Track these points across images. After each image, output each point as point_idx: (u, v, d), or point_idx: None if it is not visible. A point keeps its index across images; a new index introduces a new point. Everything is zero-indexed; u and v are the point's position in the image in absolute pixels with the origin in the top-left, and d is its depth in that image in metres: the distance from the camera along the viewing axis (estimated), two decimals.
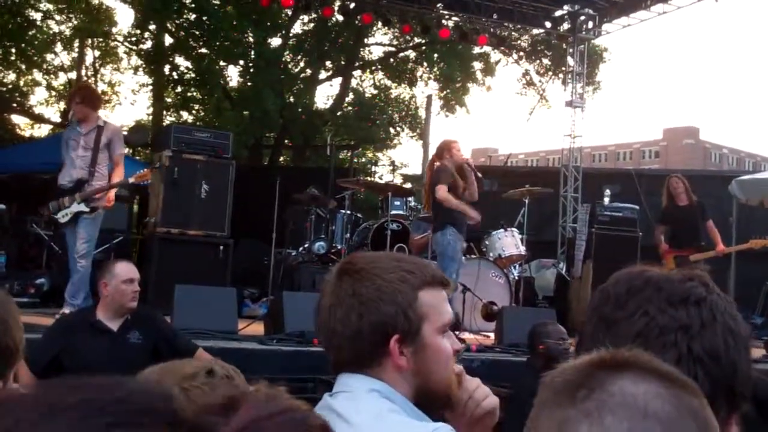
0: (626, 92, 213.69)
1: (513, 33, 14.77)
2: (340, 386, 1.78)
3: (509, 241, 10.08)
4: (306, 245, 10.71)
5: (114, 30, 23.80)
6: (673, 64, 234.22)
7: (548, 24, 14.91)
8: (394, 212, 10.31)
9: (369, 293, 1.74)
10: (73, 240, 7.64)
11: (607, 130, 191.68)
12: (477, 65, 23.34)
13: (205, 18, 18.83)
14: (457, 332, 8.67)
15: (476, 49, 21.31)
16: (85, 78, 24.23)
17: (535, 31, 16.04)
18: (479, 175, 8.82)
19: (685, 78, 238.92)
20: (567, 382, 0.88)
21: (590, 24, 14.61)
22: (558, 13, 14.73)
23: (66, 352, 4.84)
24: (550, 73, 22.04)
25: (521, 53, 22.37)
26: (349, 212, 10.74)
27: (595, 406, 0.84)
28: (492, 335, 8.44)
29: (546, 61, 22.32)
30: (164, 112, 22.80)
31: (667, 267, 10.20)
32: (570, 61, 15.05)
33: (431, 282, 1.80)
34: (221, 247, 9.62)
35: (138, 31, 22.62)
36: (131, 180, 8.08)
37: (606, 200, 11.32)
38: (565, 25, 14.85)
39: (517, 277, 10.31)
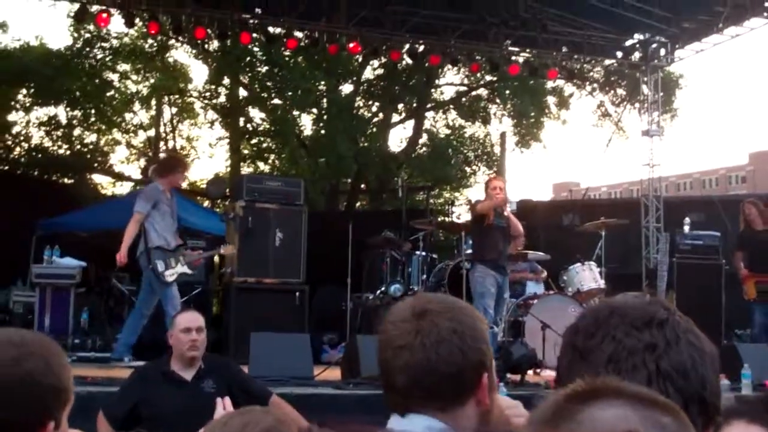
0: (708, 118, 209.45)
1: (585, 65, 14.58)
2: (414, 426, 1.73)
3: (587, 275, 9.87)
4: (383, 288, 10.66)
5: (190, 86, 24.38)
6: (753, 86, 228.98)
7: (619, 54, 14.70)
8: (469, 251, 10.21)
9: (467, 331, 1.76)
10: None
11: (691, 158, 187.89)
12: (551, 99, 23.17)
13: (276, 69, 19.16)
14: (538, 370, 8.52)
15: (549, 83, 21.16)
16: (163, 134, 24.87)
17: (608, 61, 15.83)
18: (510, 215, 9.01)
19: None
20: (540, 419, 0.88)
21: (662, 51, 14.34)
22: (629, 42, 14.51)
23: (143, 403, 4.89)
24: (626, 102, 21.72)
25: (595, 84, 22.13)
26: (424, 253, 10.67)
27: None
28: None
29: (621, 90, 22.00)
30: (241, 164, 23.18)
31: (749, 292, 9.91)
32: (645, 89, 14.79)
33: None
34: (297, 294, 9.66)
35: (212, 86, 23.18)
36: (222, 252, 9.55)
37: (686, 228, 11.01)
38: (637, 54, 14.62)
39: None
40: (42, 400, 1.59)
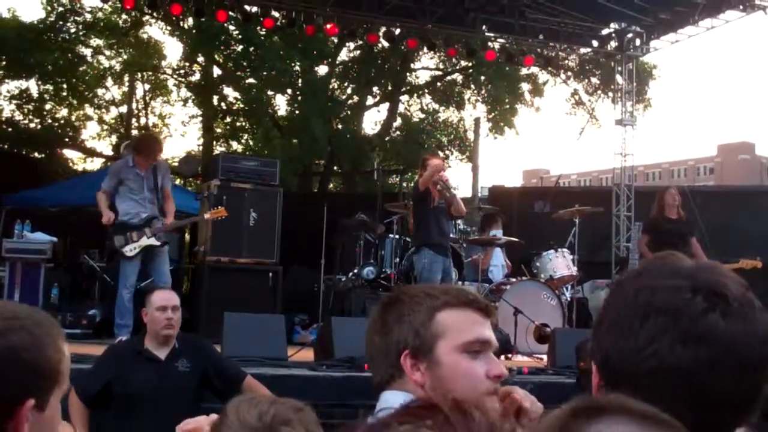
0: (679, 109, 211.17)
1: (560, 53, 14.62)
2: (381, 403, 1.88)
3: (560, 262, 9.94)
4: (355, 271, 10.67)
5: (163, 63, 24.17)
6: (725, 79, 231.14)
7: (595, 43, 14.77)
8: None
9: (391, 317, 1.90)
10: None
11: (660, 148, 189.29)
12: (525, 86, 23.21)
13: (251, 48, 19.03)
14: (509, 355, 8.58)
15: (524, 70, 21.19)
16: (136, 111, 24.65)
17: (583, 50, 15.89)
18: (454, 193, 9.02)
19: (738, 93, 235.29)
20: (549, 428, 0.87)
21: (638, 41, 14.42)
22: (605, 31, 14.58)
23: (116, 381, 4.87)
24: (599, 91, 21.83)
25: (569, 73, 22.18)
26: (398, 237, 10.69)
27: None
28: (545, 357, 8.31)
29: (595, 80, 22.11)
30: (214, 143, 23.04)
31: None
32: (619, 79, 14.88)
33: (454, 303, 1.88)
34: (271, 274, 9.66)
35: (186, 64, 23.00)
36: (207, 216, 8.87)
37: None
38: (613, 43, 14.69)
39: (569, 299, 10.16)
40: (22, 376, 1.49)
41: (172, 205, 8.61)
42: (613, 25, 14.42)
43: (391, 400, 1.81)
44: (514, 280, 10.00)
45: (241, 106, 21.69)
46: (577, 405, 0.91)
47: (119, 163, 8.75)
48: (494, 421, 0.95)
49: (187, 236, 14.32)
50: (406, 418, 0.93)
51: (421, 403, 0.99)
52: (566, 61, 19.55)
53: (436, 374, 1.82)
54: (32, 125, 22.90)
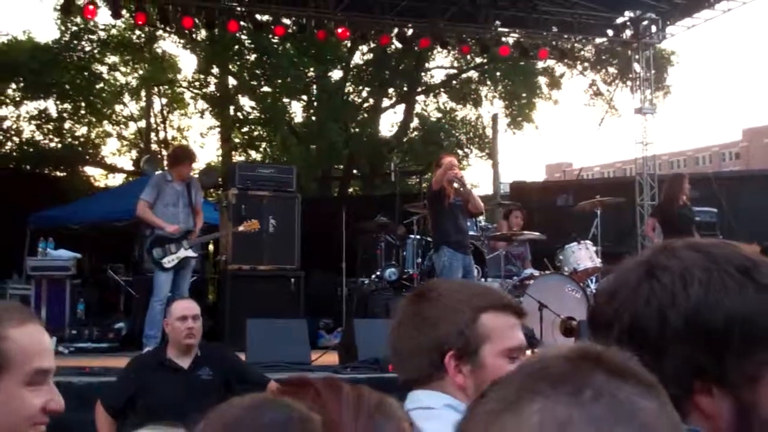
0: (701, 95, 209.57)
1: (576, 44, 14.52)
2: (412, 402, 1.82)
3: (584, 254, 9.85)
4: (377, 273, 10.64)
5: (179, 76, 24.30)
6: (747, 61, 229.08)
7: (610, 32, 14.63)
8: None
9: (431, 313, 1.84)
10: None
11: (684, 136, 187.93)
12: (542, 80, 23.11)
13: (265, 57, 19.08)
14: (535, 350, 8.49)
15: (540, 64, 21.08)
16: (154, 125, 24.78)
17: (598, 40, 15.78)
18: (470, 190, 9.00)
19: (761, 74, 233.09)
20: (563, 376, 0.79)
21: (654, 28, 14.26)
22: (619, 20, 14.43)
23: (140, 392, 4.89)
24: (617, 81, 21.68)
25: (586, 64, 22.06)
26: (419, 237, 10.65)
27: (604, 413, 0.76)
28: None
29: (612, 69, 21.97)
30: (232, 153, 23.13)
31: None
32: (636, 67, 14.74)
33: (498, 306, 1.87)
34: (292, 280, 9.67)
35: (201, 76, 23.10)
36: (240, 229, 9.03)
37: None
38: (628, 32, 14.54)
39: (594, 291, 10.07)
40: None
41: (201, 220, 8.87)
42: (628, 13, 14.28)
43: (427, 401, 1.79)
44: (537, 274, 9.91)
45: (257, 114, 21.76)
46: (599, 353, 0.83)
47: (158, 176, 8.98)
48: (363, 393, 0.96)
49: (210, 247, 14.37)
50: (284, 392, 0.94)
51: (293, 380, 1.01)
52: (582, 52, 19.46)
53: (480, 378, 1.80)
54: (53, 144, 23.12)
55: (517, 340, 1.87)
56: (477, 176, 30.71)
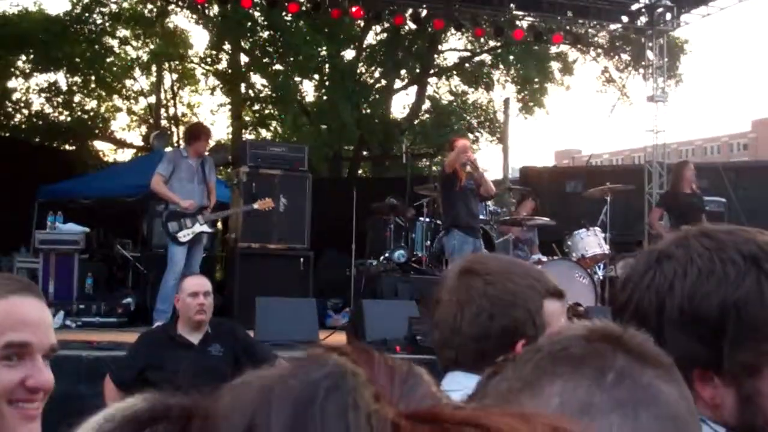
0: (712, 85, 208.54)
1: (590, 30, 14.44)
2: (452, 384, 1.73)
3: (592, 241, 9.84)
4: (386, 254, 10.64)
5: (190, 52, 24.22)
6: (759, 52, 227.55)
7: (625, 18, 14.53)
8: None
9: (502, 296, 1.76)
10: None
11: (693, 125, 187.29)
12: (555, 65, 22.99)
13: (278, 34, 19.00)
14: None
15: (553, 49, 20.99)
16: (164, 101, 24.74)
17: (612, 26, 15.68)
18: (483, 174, 8.98)
19: None
20: (584, 358, 0.77)
21: (668, 16, 14.18)
22: (635, 6, 14.34)
23: (150, 367, 4.90)
24: (630, 68, 21.56)
25: (599, 50, 21.94)
26: (428, 220, 10.63)
27: (627, 397, 0.75)
28: None
29: (625, 56, 21.82)
30: (243, 131, 23.07)
31: None
32: (650, 54, 14.66)
33: (553, 292, 1.85)
34: (302, 260, 9.66)
35: (213, 52, 23.01)
36: (256, 206, 9.01)
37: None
38: (643, 19, 14.45)
39: (602, 277, 10.06)
40: None
41: (214, 198, 8.90)
42: (643, 0, 14.20)
43: (471, 386, 1.76)
44: (545, 259, 9.90)
45: (269, 92, 21.69)
46: (617, 334, 0.82)
47: (174, 151, 9.13)
48: (391, 358, 0.94)
49: (219, 224, 14.37)
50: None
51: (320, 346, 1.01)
52: (596, 38, 19.36)
53: None
54: (62, 118, 23.12)
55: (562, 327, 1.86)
56: (487, 160, 30.59)
